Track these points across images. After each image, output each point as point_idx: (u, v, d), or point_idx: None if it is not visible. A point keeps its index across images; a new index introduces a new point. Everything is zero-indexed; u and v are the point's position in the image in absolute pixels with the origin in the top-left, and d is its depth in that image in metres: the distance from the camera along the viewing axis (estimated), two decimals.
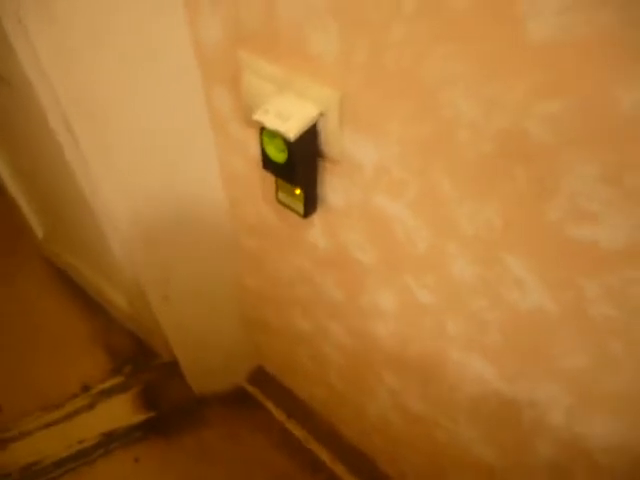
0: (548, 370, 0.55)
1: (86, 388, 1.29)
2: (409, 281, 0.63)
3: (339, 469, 1.11)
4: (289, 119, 0.53)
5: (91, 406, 1.25)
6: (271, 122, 0.54)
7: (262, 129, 0.56)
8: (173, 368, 1.29)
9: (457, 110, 0.45)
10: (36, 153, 1.01)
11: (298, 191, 0.61)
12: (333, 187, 0.62)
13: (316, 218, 0.68)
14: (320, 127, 0.56)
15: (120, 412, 1.23)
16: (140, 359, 1.35)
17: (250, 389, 1.27)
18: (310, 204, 0.63)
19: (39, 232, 1.47)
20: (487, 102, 0.42)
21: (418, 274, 0.61)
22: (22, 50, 0.69)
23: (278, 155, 0.57)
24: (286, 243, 0.80)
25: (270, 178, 0.69)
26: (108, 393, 1.27)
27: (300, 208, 0.63)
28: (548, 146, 0.41)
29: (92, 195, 0.90)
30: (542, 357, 0.54)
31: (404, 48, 0.45)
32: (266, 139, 0.57)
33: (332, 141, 0.57)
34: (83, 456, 1.18)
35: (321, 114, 0.54)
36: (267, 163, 0.59)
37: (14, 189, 1.34)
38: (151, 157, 0.77)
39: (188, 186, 0.84)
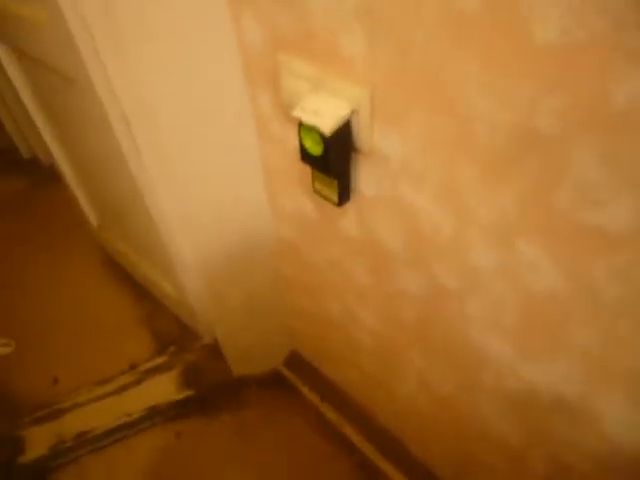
0: (564, 348, 0.58)
1: (133, 366, 1.39)
2: (434, 266, 0.68)
3: (371, 452, 1.16)
4: (324, 115, 0.59)
5: (138, 382, 1.35)
6: (308, 118, 0.60)
7: (300, 124, 0.62)
8: (214, 350, 1.37)
9: (473, 105, 0.49)
10: (96, 149, 1.11)
11: (333, 181, 0.67)
12: (364, 178, 0.68)
13: (349, 207, 0.74)
14: (352, 122, 0.61)
15: (164, 389, 1.32)
16: (183, 341, 1.44)
17: (286, 373, 1.34)
18: (344, 193, 0.68)
19: (94, 221, 1.58)
20: (499, 98, 0.47)
21: (442, 259, 0.65)
22: (85, 49, 0.77)
23: (315, 148, 0.63)
24: (320, 231, 0.86)
25: (307, 170, 0.75)
26: (153, 371, 1.36)
27: (335, 197, 0.69)
28: (554, 137, 0.45)
29: (147, 193, 0.99)
30: (557, 336, 0.58)
31: (424, 50, 0.50)
32: (304, 134, 0.63)
33: (363, 135, 0.62)
34: (129, 427, 1.28)
35: (353, 111, 0.60)
36: (305, 156, 0.65)
37: (73, 181, 1.45)
38: (199, 156, 0.84)
39: (232, 185, 0.91)
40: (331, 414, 1.25)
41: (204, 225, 0.96)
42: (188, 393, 1.31)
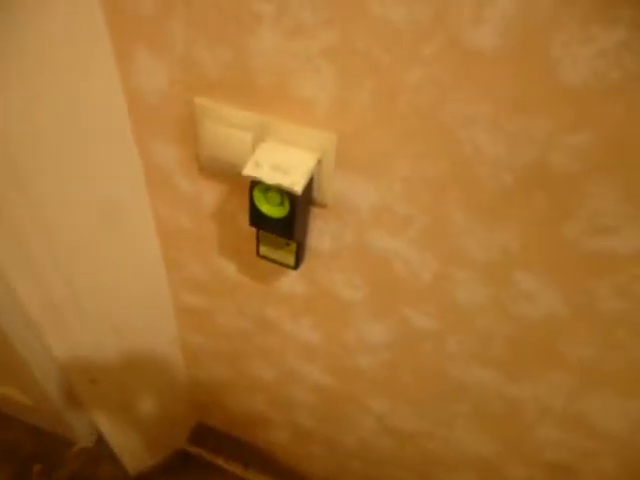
0: (554, 364, 0.59)
1: None
2: (406, 311, 0.63)
3: None
4: (289, 171, 0.49)
5: None
6: (269, 177, 0.48)
7: (253, 185, 0.50)
8: (95, 453, 1.11)
9: (477, 147, 0.45)
10: None
11: (291, 244, 0.57)
12: (320, 232, 0.59)
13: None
14: (313, 173, 0.52)
15: None
16: (50, 453, 1.13)
17: (194, 450, 1.16)
18: (301, 254, 0.59)
19: None
20: (510, 138, 0.44)
21: (418, 304, 0.61)
22: None
23: (274, 210, 0.52)
24: (247, 296, 0.74)
25: (231, 234, 0.63)
26: None
27: (290, 260, 0.59)
28: (571, 174, 0.44)
29: None
30: (549, 355, 0.59)
31: (418, 91, 0.44)
32: (258, 194, 0.51)
33: (324, 186, 0.54)
34: None
35: (318, 160, 0.51)
36: (256, 220, 0.53)
37: None
38: (76, 220, 0.64)
39: (118, 250, 0.72)
40: (260, 478, 1.12)
41: (77, 310, 0.75)
42: None
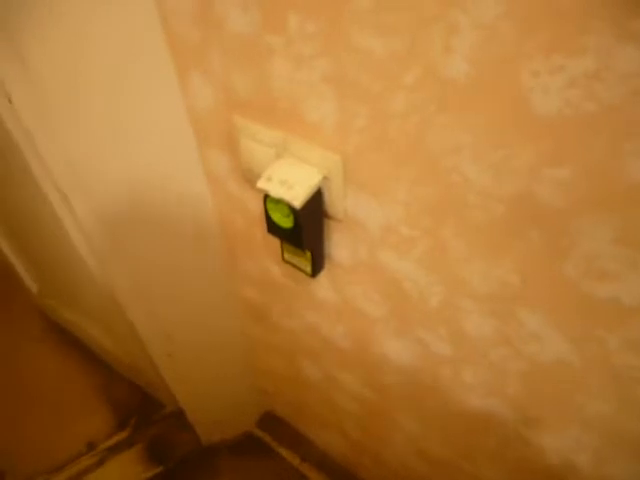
0: (573, 416, 0.54)
1: (92, 445, 1.26)
2: (421, 333, 0.62)
3: None
4: (293, 186, 0.53)
5: (98, 464, 1.22)
6: (276, 190, 0.53)
7: (266, 196, 0.56)
8: (179, 418, 1.26)
9: (464, 175, 0.45)
10: (30, 216, 0.99)
11: (306, 253, 0.61)
12: (338, 244, 0.62)
13: (323, 274, 0.67)
14: (324, 188, 0.55)
15: (129, 469, 1.20)
16: (145, 411, 1.32)
17: (260, 434, 1.25)
18: (318, 264, 0.62)
19: (33, 287, 1.44)
20: (494, 168, 0.42)
21: (431, 327, 0.60)
22: (8, 117, 0.68)
23: (283, 220, 0.56)
24: (291, 297, 0.79)
25: (273, 237, 0.69)
26: (115, 449, 1.24)
27: (308, 268, 0.62)
28: (559, 209, 0.41)
29: (92, 262, 0.89)
30: (566, 404, 0.54)
31: (405, 117, 0.45)
32: (270, 205, 0.56)
33: (336, 202, 0.56)
34: None
35: (324, 177, 0.54)
36: (272, 228, 0.58)
37: (5, 246, 1.32)
38: (149, 221, 0.76)
39: (185, 245, 0.83)
40: (313, 475, 1.17)
41: (158, 292, 0.87)
42: (156, 470, 1.20)
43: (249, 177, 0.65)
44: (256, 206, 0.70)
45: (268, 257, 0.77)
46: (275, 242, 0.71)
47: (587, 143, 0.36)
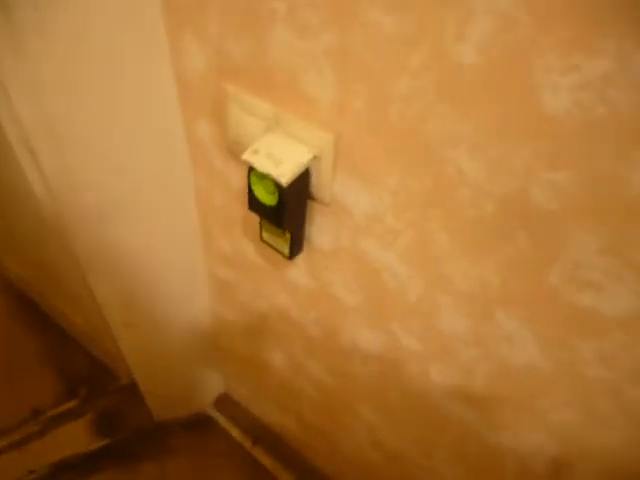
0: (536, 422, 0.54)
1: (37, 412, 1.21)
2: (394, 326, 0.61)
3: None
4: (281, 162, 0.51)
5: (43, 432, 1.17)
6: (262, 164, 0.51)
7: (250, 169, 0.53)
8: (132, 392, 1.22)
9: (459, 169, 0.43)
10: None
11: (286, 234, 0.59)
12: (320, 228, 0.60)
13: (300, 258, 0.65)
14: (312, 168, 0.53)
15: (74, 439, 1.16)
16: (97, 382, 1.28)
17: (214, 414, 1.23)
18: (296, 246, 0.60)
19: None
20: (491, 164, 0.41)
21: (405, 321, 0.59)
22: None
23: (267, 197, 0.54)
24: (264, 278, 0.77)
25: (253, 215, 0.67)
26: (61, 418, 1.19)
27: (285, 249, 0.61)
28: (551, 212, 0.40)
29: (57, 226, 0.84)
30: (531, 409, 0.54)
31: (407, 102, 0.43)
32: (254, 179, 0.54)
33: (323, 184, 0.54)
34: None
35: (314, 157, 0.52)
36: (254, 204, 0.56)
37: None
38: (123, 182, 0.72)
39: (160, 216, 0.79)
40: (265, 459, 1.16)
41: (122, 260, 0.83)
42: (103, 442, 1.16)
43: (234, 149, 0.62)
44: (238, 181, 0.67)
45: (244, 236, 0.74)
46: (253, 220, 0.69)
47: (592, 148, 0.36)
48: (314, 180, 0.54)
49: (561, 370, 0.48)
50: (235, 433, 1.19)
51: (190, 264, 0.89)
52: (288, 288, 0.74)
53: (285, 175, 0.50)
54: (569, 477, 0.56)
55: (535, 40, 0.34)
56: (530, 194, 0.40)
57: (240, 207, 0.71)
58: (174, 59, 0.61)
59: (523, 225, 0.42)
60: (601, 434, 0.50)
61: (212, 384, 1.21)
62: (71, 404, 1.22)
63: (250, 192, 0.55)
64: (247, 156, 0.52)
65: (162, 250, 0.85)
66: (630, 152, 0.34)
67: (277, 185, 0.51)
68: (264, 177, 0.52)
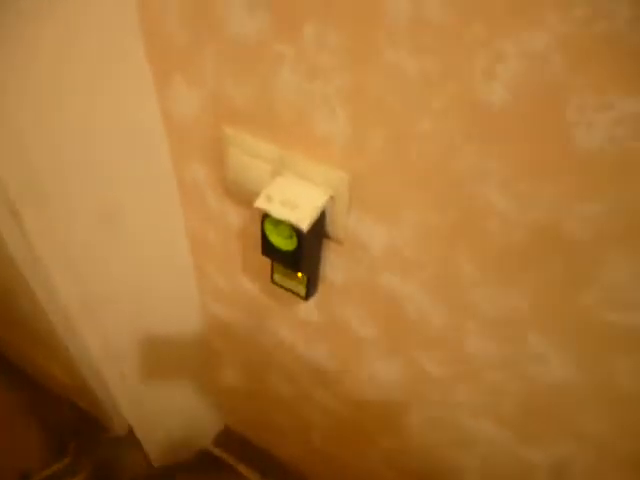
0: (568, 434, 0.55)
1: (26, 477, 1.13)
2: (417, 355, 0.61)
3: None
4: (298, 207, 0.49)
5: None
6: (279, 212, 0.49)
7: (264, 216, 0.51)
8: (127, 440, 1.17)
9: (487, 202, 0.43)
10: None
11: (300, 274, 0.57)
12: (335, 265, 0.59)
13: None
14: (327, 208, 0.52)
15: None
16: (86, 433, 1.21)
17: (217, 452, 1.19)
18: (312, 287, 0.59)
19: None
20: (522, 197, 0.41)
21: (429, 349, 0.59)
22: None
23: (283, 242, 0.52)
24: (269, 314, 0.75)
25: (256, 255, 0.65)
26: (54, 479, 1.12)
27: (301, 291, 0.59)
28: (585, 242, 0.41)
29: (32, 274, 0.79)
30: (563, 423, 0.55)
31: (429, 141, 0.43)
32: (269, 226, 0.52)
33: (337, 222, 0.53)
34: None
35: (331, 197, 0.51)
36: (268, 250, 0.54)
37: None
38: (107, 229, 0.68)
39: (149, 256, 0.76)
40: None
41: (112, 305, 0.79)
42: None
43: (235, 192, 0.60)
44: (237, 221, 0.65)
45: (245, 275, 0.72)
46: (256, 260, 0.67)
47: (624, 181, 0.36)
48: (328, 219, 0.53)
49: (595, 385, 0.49)
50: (241, 469, 1.16)
51: (184, 303, 0.86)
52: (296, 323, 0.72)
53: (304, 220, 0.48)
54: None
55: (569, 79, 0.34)
56: (562, 224, 0.41)
57: (238, 247, 0.69)
58: (162, 102, 0.59)
59: (555, 253, 0.43)
60: (633, 441, 0.51)
61: (212, 421, 1.17)
62: (62, 463, 1.15)
63: (264, 238, 0.53)
64: (261, 204, 0.50)
65: (155, 291, 0.82)
66: None
67: (295, 230, 0.50)
68: (279, 223, 0.51)
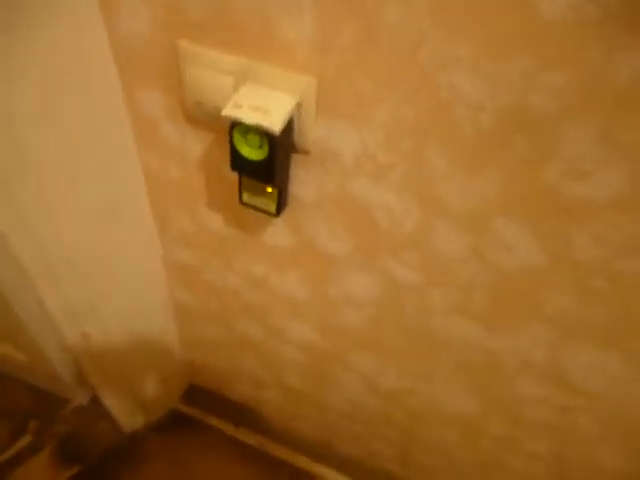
0: (533, 316, 0.60)
1: None
2: (389, 263, 0.63)
3: (302, 461, 1.10)
4: (268, 112, 0.49)
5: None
6: (249, 117, 0.49)
7: (232, 126, 0.51)
8: (92, 409, 1.14)
9: (457, 90, 0.45)
10: None
11: (270, 189, 0.57)
12: (303, 179, 0.59)
13: (279, 217, 0.64)
14: (294, 117, 0.52)
15: (40, 475, 1.05)
16: (46, 411, 1.16)
17: (186, 409, 1.18)
18: (283, 200, 0.59)
19: None
20: (491, 79, 0.43)
21: (401, 255, 0.61)
22: None
23: (254, 153, 0.52)
24: (234, 250, 0.75)
25: (218, 181, 0.64)
26: (18, 459, 1.07)
27: (272, 207, 0.59)
28: (549, 115, 0.43)
29: None
30: (528, 306, 0.59)
31: (399, 29, 0.43)
32: (237, 136, 0.51)
33: (305, 132, 0.54)
34: None
35: (297, 104, 0.51)
36: (238, 163, 0.53)
37: None
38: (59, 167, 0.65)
39: (105, 201, 0.73)
40: (250, 438, 1.14)
41: (70, 264, 0.75)
42: (73, 470, 1.06)
43: (196, 114, 0.59)
44: (199, 149, 0.64)
45: (209, 208, 0.71)
46: (218, 188, 0.66)
47: (585, 49, 0.39)
48: (296, 129, 0.53)
49: (558, 261, 0.53)
50: (213, 421, 1.16)
51: (146, 254, 0.84)
52: (265, 253, 0.72)
53: (277, 123, 0.48)
54: (567, 362, 0.62)
55: None
56: (529, 100, 0.43)
57: (202, 177, 0.67)
58: (109, 22, 0.55)
59: (520, 131, 0.45)
60: (594, 312, 0.56)
61: (178, 378, 1.16)
62: (24, 441, 1.10)
63: (233, 151, 0.53)
64: (229, 111, 0.49)
65: (112, 247, 0.78)
66: (620, 45, 0.37)
67: (268, 137, 0.49)
68: (248, 131, 0.50)
